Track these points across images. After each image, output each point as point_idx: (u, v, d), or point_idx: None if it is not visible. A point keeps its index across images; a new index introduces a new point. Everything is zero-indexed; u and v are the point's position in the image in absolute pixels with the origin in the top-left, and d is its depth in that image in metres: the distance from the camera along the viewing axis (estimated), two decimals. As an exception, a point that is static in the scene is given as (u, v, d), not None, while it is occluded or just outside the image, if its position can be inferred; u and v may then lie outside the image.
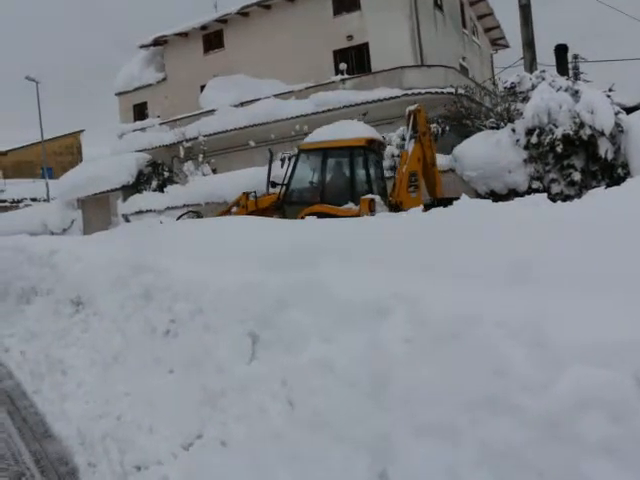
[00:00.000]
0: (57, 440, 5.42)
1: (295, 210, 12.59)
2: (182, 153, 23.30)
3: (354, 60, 24.92)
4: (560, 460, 2.31)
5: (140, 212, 22.06)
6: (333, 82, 23.60)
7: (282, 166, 14.13)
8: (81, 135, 55.55)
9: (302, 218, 9.70)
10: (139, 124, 30.01)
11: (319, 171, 13.51)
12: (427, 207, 11.22)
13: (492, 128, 15.88)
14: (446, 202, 11.25)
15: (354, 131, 13.71)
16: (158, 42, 31.20)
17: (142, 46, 32.20)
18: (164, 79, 31.33)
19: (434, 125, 17.57)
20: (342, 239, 5.63)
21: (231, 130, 24.10)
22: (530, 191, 12.38)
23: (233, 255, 5.86)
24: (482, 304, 3.02)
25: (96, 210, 25.06)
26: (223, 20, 28.51)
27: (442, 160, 15.91)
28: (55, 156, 46.90)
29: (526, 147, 13.38)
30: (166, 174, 23.52)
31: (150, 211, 21.68)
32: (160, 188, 22.79)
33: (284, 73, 25.07)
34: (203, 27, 29.35)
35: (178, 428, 4.16)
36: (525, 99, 14.17)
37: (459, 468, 2.54)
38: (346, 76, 23.52)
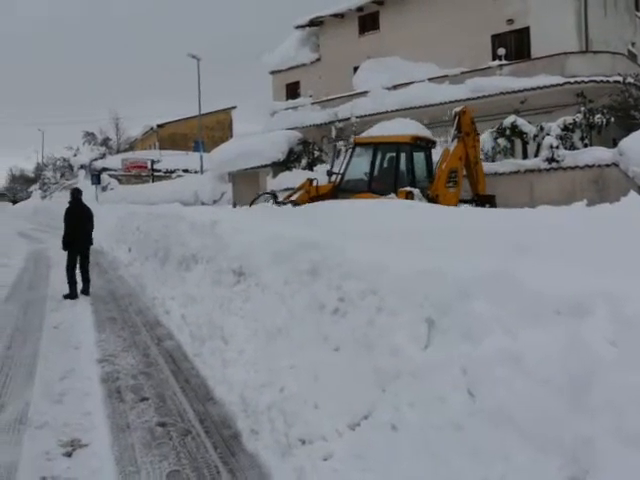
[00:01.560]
0: (219, 404, 5.69)
1: (347, 197, 13.38)
2: (334, 133, 23.56)
3: (513, 45, 24.06)
4: None
5: (289, 189, 22.52)
6: (489, 67, 22.93)
7: (337, 157, 16.37)
8: (232, 111, 57.44)
9: None
10: (291, 103, 30.73)
11: (369, 163, 15.21)
12: (467, 202, 13.59)
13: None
14: (486, 199, 14.27)
15: (404, 129, 15.29)
16: (314, 23, 31.77)
17: (298, 26, 32.92)
18: (318, 59, 31.86)
19: (598, 116, 16.68)
20: (509, 228, 5.46)
21: (383, 112, 23.99)
22: None
23: (397, 238, 5.81)
24: None
25: (246, 184, 25.92)
26: (380, 2, 28.53)
27: (604, 154, 15.21)
28: (207, 130, 48.89)
29: None
30: (316, 153, 23.93)
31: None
32: (310, 166, 23.24)
33: (439, 57, 24.68)
34: (359, 8, 29.54)
35: (344, 406, 4.22)
36: None
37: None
38: (504, 62, 22.75)
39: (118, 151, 58.45)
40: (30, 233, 27.34)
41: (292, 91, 33.62)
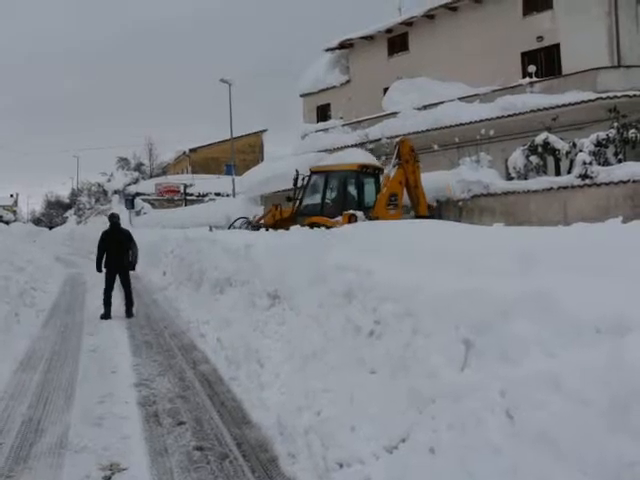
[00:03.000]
0: (256, 427, 5.71)
1: (304, 221, 15.51)
2: (365, 154, 23.62)
3: (543, 62, 23.94)
4: None
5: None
6: (520, 85, 22.81)
7: (294, 184, 18.35)
8: (263, 134, 57.97)
9: (305, 226, 12.36)
10: (322, 125, 30.91)
11: (321, 190, 17.60)
12: None
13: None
14: (424, 219, 14.73)
15: (352, 158, 17.99)
16: (343, 45, 32.09)
17: (328, 49, 33.21)
18: (348, 81, 32.11)
19: (632, 131, 16.48)
20: (544, 246, 5.40)
21: (414, 133, 24.02)
22: None
23: (429, 258, 5.79)
24: None
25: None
26: (408, 23, 28.74)
27: (639, 169, 15.02)
28: (239, 154, 49.34)
29: None
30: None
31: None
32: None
33: (468, 76, 24.68)
34: (388, 30, 29.79)
35: (381, 429, 4.20)
36: None
37: None
38: (534, 79, 22.62)
39: (151, 176, 59.22)
40: (66, 258, 27.79)
41: (323, 113, 33.86)
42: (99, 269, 12.00)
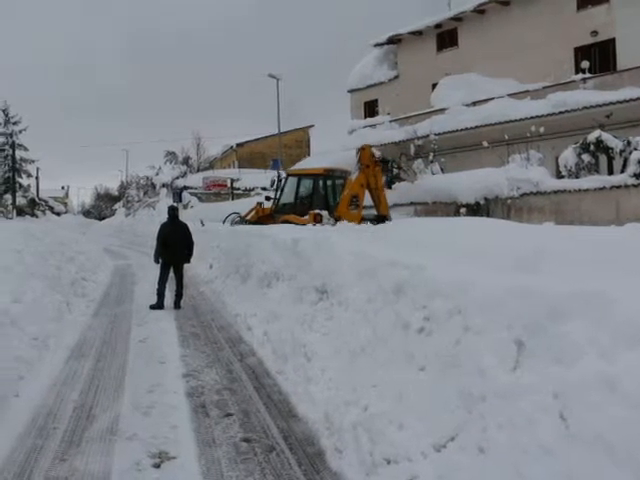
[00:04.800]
0: (303, 421, 5.74)
1: (279, 218, 18.96)
2: (412, 151, 23.52)
3: (597, 57, 23.41)
4: None
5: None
6: (572, 82, 22.35)
7: (271, 186, 21.91)
8: (310, 129, 58.05)
9: (281, 223, 16.76)
10: (369, 121, 30.91)
11: (294, 191, 20.17)
12: (369, 221, 17.22)
13: None
14: (384, 218, 18.47)
15: (321, 163, 21.49)
16: (392, 41, 31.97)
17: (376, 45, 33.14)
18: (396, 77, 32.00)
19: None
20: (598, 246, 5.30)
21: (462, 130, 23.78)
22: None
23: (476, 255, 5.73)
24: None
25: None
26: (458, 18, 28.40)
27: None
28: (285, 149, 49.53)
29: None
30: (395, 171, 23.89)
31: (377, 207, 22.12)
32: (388, 184, 23.18)
33: (519, 72, 24.33)
34: (437, 25, 29.62)
35: (429, 427, 4.18)
36: None
37: None
38: (588, 75, 22.14)
39: (198, 170, 59.87)
40: (115, 250, 28.30)
41: (370, 109, 33.79)
42: (156, 260, 12.24)
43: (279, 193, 20.68)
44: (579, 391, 3.27)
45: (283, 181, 20.77)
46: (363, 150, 19.50)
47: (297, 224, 15.66)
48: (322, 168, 20.23)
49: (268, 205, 21.37)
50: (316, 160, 29.50)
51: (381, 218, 18.55)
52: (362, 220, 17.77)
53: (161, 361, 7.85)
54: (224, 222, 22.08)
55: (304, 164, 30.18)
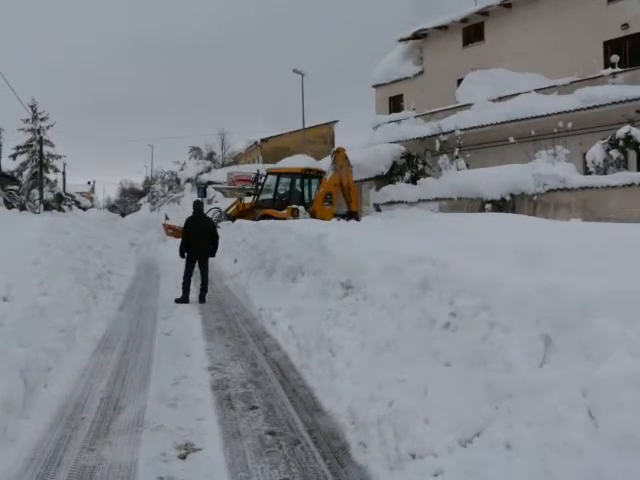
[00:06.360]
0: (327, 415, 5.76)
1: (259, 213, 21.10)
2: (438, 146, 23.40)
3: (627, 51, 22.99)
4: None
5: (392, 203, 22.56)
6: (601, 76, 22.00)
7: (253, 182, 24.49)
8: (334, 125, 57.92)
9: (261, 217, 19.63)
10: (394, 116, 30.77)
11: (274, 188, 22.36)
12: (341, 216, 19.55)
13: None
14: (354, 214, 20.77)
15: (299, 163, 22.48)
16: (417, 35, 31.77)
17: (401, 40, 32.95)
18: (421, 72, 31.80)
19: None
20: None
21: (487, 125, 23.59)
22: None
23: (505, 253, 5.70)
24: None
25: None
26: (484, 12, 28.10)
27: None
28: (309, 144, 49.46)
29: None
30: (419, 166, 23.81)
31: (402, 202, 22.11)
32: (413, 180, 23.15)
33: (546, 66, 24.00)
34: (463, 20, 29.30)
35: (455, 422, 4.19)
36: None
37: None
38: (618, 69, 21.80)
39: (223, 165, 60.05)
40: (140, 244, 28.48)
41: (395, 104, 33.64)
42: (182, 254, 12.34)
43: (259, 190, 22.90)
44: (608, 389, 3.24)
45: (263, 178, 22.83)
46: (337, 152, 21.31)
47: (275, 218, 18.20)
48: (300, 167, 22.11)
49: (249, 201, 24.03)
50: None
51: (351, 214, 20.79)
52: (334, 216, 19.54)
53: (186, 354, 7.91)
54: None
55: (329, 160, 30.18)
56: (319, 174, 22.10)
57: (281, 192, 22.31)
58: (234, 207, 23.39)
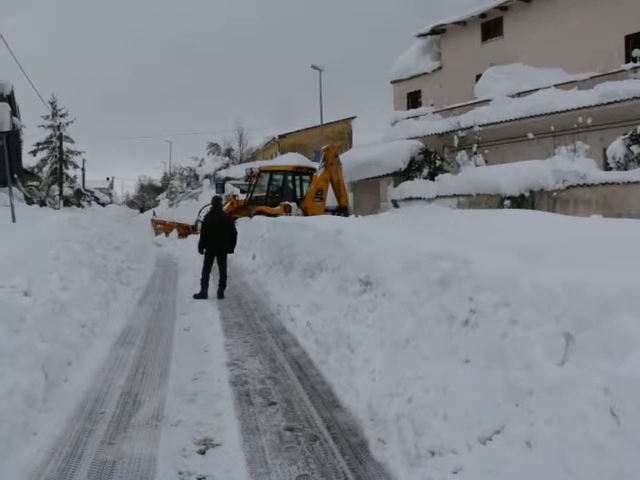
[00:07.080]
0: (346, 411, 5.77)
1: (253, 209, 21.95)
2: (456, 142, 23.23)
3: (650, 46, 22.67)
4: None
5: (410, 199, 22.43)
6: (622, 71, 21.73)
7: (246, 179, 26.20)
8: (352, 121, 57.80)
9: (256, 214, 19.91)
10: (413, 112, 30.65)
11: (266, 185, 23.44)
12: (332, 212, 20.90)
13: None
14: (344, 209, 22.27)
15: (291, 161, 24.64)
16: (435, 31, 31.58)
17: (419, 35, 32.71)
18: (439, 68, 31.60)
19: None
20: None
21: (506, 121, 23.40)
22: None
23: (525, 249, 5.65)
24: None
25: (367, 194, 26.14)
26: (503, 7, 27.87)
27: None
28: (327, 140, 49.41)
29: None
30: (437, 162, 23.68)
31: (420, 199, 21.99)
32: (431, 176, 23.01)
33: (566, 62, 23.74)
34: (482, 15, 29.04)
35: (475, 419, 4.17)
36: None
37: None
38: (639, 64, 21.53)
39: (241, 161, 60.12)
40: (158, 239, 28.64)
41: (413, 100, 33.46)
42: (201, 250, 12.40)
43: (252, 187, 23.93)
44: (631, 387, 3.20)
45: (257, 176, 23.88)
46: (328, 150, 22.24)
47: (269, 214, 18.90)
48: (291, 165, 23.61)
49: (242, 197, 24.92)
50: (356, 153, 29.44)
51: (341, 210, 21.82)
52: (325, 211, 20.86)
53: (205, 349, 7.94)
54: (199, 213, 24.39)
55: (347, 156, 30.10)
56: (310, 171, 23.28)
57: (273, 189, 23.31)
58: (228, 204, 23.67)
